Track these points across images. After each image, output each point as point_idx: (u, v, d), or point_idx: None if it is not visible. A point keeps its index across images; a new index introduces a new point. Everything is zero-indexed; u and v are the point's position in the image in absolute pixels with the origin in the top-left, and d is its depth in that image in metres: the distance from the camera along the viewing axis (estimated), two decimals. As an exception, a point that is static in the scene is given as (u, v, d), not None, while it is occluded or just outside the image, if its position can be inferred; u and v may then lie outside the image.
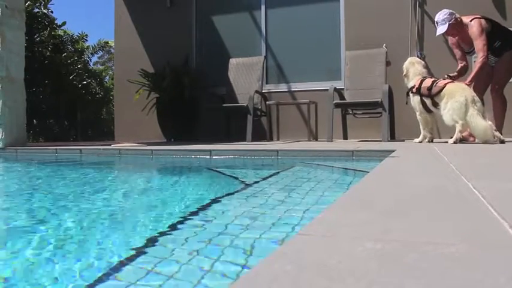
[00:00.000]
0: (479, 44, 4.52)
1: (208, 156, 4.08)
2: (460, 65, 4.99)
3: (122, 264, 1.03)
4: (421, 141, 4.85)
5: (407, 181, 1.52)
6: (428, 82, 4.66)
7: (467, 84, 4.56)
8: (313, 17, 6.98)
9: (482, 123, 4.15)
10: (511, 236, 0.72)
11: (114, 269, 0.99)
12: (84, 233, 1.45)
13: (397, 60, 5.97)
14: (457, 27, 4.70)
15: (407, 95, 4.96)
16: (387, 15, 6.42)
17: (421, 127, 4.86)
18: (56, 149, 5.04)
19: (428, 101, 4.64)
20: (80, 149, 4.84)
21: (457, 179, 1.49)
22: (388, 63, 5.99)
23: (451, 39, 5.00)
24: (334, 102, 5.77)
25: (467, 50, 4.79)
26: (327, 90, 5.96)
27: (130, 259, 1.05)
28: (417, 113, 4.83)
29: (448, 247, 0.66)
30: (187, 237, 1.26)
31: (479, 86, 4.80)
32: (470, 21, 4.61)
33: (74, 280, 0.95)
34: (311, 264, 0.58)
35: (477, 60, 4.58)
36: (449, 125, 4.43)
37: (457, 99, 4.29)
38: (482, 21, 4.59)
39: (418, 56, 6.24)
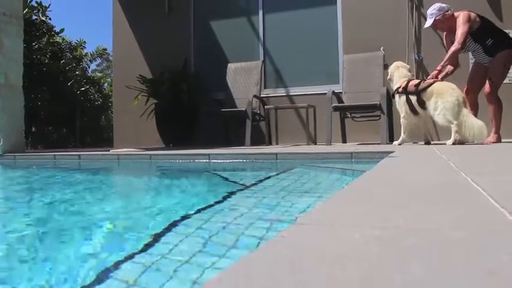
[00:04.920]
0: (458, 31, 4.53)
1: (206, 160, 4.06)
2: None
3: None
4: (400, 144, 4.76)
5: (406, 177, 1.51)
6: (415, 81, 4.67)
7: (438, 71, 4.60)
8: (310, 21, 6.99)
9: (477, 122, 4.14)
10: (511, 220, 0.72)
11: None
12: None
13: (395, 63, 5.99)
14: (446, 22, 4.73)
15: (393, 97, 4.93)
16: (384, 18, 6.43)
17: (402, 130, 4.75)
18: (55, 155, 5.02)
19: (414, 99, 4.56)
20: (79, 155, 4.82)
21: (456, 174, 1.48)
22: (385, 66, 5.99)
23: (446, 39, 4.99)
24: (333, 105, 5.77)
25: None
26: (325, 93, 5.96)
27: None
28: (401, 115, 4.72)
29: (449, 232, 0.65)
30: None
31: (474, 85, 4.78)
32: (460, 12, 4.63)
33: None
34: (309, 250, 0.57)
35: (452, 47, 4.55)
36: (443, 125, 4.40)
37: (447, 99, 4.27)
38: (472, 14, 4.59)
39: (415, 59, 6.26)
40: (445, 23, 4.77)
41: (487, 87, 4.63)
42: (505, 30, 5.56)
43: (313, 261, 0.51)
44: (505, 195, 1.02)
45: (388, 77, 5.01)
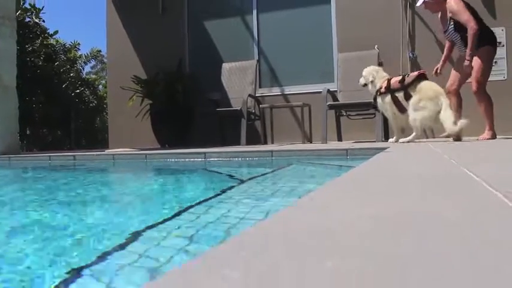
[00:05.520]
0: (463, 16, 4.44)
1: (202, 159, 4.06)
2: (446, 46, 4.98)
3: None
4: (396, 141, 4.67)
5: (401, 168, 1.52)
6: (397, 78, 4.62)
7: (469, 61, 4.43)
8: (304, 21, 7.00)
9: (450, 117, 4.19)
10: (506, 202, 0.72)
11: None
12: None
13: (389, 61, 6.01)
14: (437, 5, 4.71)
15: (375, 99, 4.85)
16: (378, 16, 6.45)
17: (394, 129, 4.73)
18: (50, 156, 5.00)
19: (400, 95, 4.52)
20: (74, 156, 4.80)
21: (451, 165, 1.48)
22: (380, 64, 6.01)
23: (441, 20, 4.93)
24: (328, 104, 5.77)
25: (445, 28, 4.76)
26: (320, 92, 5.96)
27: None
28: (389, 116, 4.69)
29: (444, 212, 0.65)
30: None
31: (456, 81, 4.68)
32: None
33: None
34: (303, 226, 0.57)
35: (468, 31, 4.41)
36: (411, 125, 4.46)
37: (430, 105, 4.27)
38: (462, 2, 4.56)
39: (409, 57, 6.27)
40: (435, 6, 4.74)
41: (473, 85, 4.55)
42: (499, 28, 5.61)
43: (306, 235, 0.51)
44: (500, 181, 1.03)
45: (364, 82, 4.93)
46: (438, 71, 4.80)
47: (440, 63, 4.84)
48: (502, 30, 5.59)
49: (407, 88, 4.45)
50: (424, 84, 4.41)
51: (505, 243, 0.49)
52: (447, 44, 4.90)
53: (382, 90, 4.65)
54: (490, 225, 0.58)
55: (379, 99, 4.75)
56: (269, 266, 0.40)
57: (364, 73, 4.95)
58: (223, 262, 0.42)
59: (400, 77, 4.60)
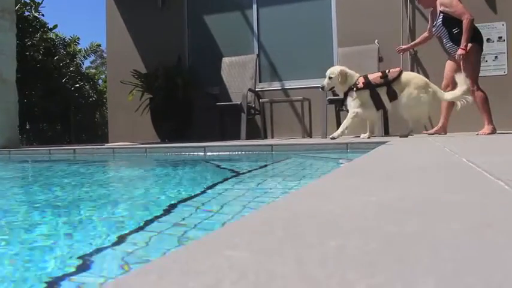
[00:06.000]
0: (458, 8, 4.44)
1: (202, 153, 4.06)
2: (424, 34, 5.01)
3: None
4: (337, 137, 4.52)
5: (402, 159, 1.52)
6: (377, 74, 4.53)
7: (463, 49, 4.38)
8: (304, 15, 6.98)
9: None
10: (507, 189, 0.72)
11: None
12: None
13: (389, 55, 5.99)
14: (428, 0, 4.74)
15: (345, 97, 4.68)
16: (379, 11, 6.43)
17: (346, 124, 4.52)
18: (50, 150, 5.00)
19: (383, 91, 4.45)
20: (74, 149, 4.81)
21: (452, 157, 1.48)
22: (380, 59, 6.00)
23: (431, 15, 4.92)
24: (328, 98, 5.76)
25: (433, 23, 4.76)
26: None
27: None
28: (360, 111, 4.50)
29: (446, 196, 0.66)
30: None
31: (450, 80, 4.66)
32: None
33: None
34: (306, 211, 0.57)
35: (464, 22, 4.38)
36: (407, 119, 4.46)
37: (422, 93, 4.30)
38: None
39: (409, 52, 6.25)
40: (428, 1, 4.76)
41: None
42: (500, 22, 5.60)
43: (309, 218, 0.51)
44: (501, 171, 1.03)
45: (331, 84, 4.70)
46: (400, 49, 4.98)
47: (408, 45, 4.96)
48: (503, 24, 5.58)
49: (391, 83, 4.41)
50: (408, 76, 4.40)
51: (506, 225, 0.49)
52: (426, 34, 4.92)
53: (360, 85, 4.51)
54: (491, 208, 0.58)
55: (353, 95, 4.56)
56: (272, 246, 0.40)
57: (331, 75, 4.67)
58: (226, 243, 0.42)
59: (380, 73, 4.49)
